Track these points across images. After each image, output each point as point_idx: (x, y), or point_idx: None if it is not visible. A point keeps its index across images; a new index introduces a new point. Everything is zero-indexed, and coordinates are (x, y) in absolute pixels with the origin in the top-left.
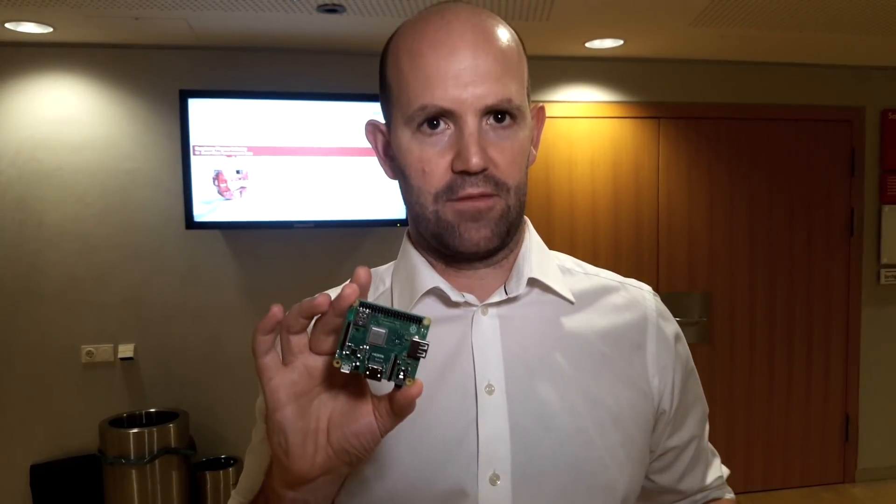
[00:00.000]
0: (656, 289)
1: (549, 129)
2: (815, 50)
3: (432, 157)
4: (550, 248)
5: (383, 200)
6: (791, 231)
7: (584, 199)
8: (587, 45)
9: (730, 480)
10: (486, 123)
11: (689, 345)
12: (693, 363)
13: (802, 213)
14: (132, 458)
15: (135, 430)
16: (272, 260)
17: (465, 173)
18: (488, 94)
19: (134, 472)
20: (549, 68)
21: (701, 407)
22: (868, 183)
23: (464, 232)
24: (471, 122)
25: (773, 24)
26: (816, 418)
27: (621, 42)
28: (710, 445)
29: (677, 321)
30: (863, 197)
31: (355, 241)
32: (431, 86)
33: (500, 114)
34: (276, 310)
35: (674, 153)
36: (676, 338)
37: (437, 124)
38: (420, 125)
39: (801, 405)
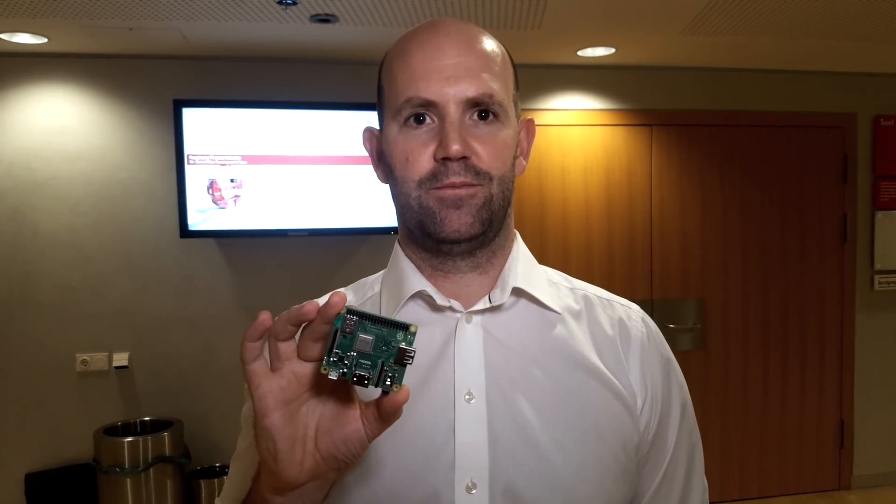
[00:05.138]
0: (650, 295)
1: (542, 137)
2: (806, 57)
3: (416, 147)
4: (544, 255)
5: (377, 208)
6: (784, 237)
7: (577, 206)
8: (579, 53)
9: (725, 488)
10: (470, 119)
11: (683, 351)
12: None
13: (795, 220)
14: (127, 466)
15: (129, 439)
16: (266, 268)
17: (447, 160)
18: (469, 87)
19: (128, 480)
20: (542, 76)
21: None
22: (860, 189)
23: (444, 218)
24: (453, 112)
25: (764, 32)
26: (811, 425)
27: (613, 50)
28: None
29: (671, 328)
30: (855, 203)
31: (349, 249)
32: (417, 79)
33: (483, 111)
34: (265, 317)
35: (666, 160)
36: (665, 362)
37: (423, 119)
38: (407, 119)
39: (796, 411)
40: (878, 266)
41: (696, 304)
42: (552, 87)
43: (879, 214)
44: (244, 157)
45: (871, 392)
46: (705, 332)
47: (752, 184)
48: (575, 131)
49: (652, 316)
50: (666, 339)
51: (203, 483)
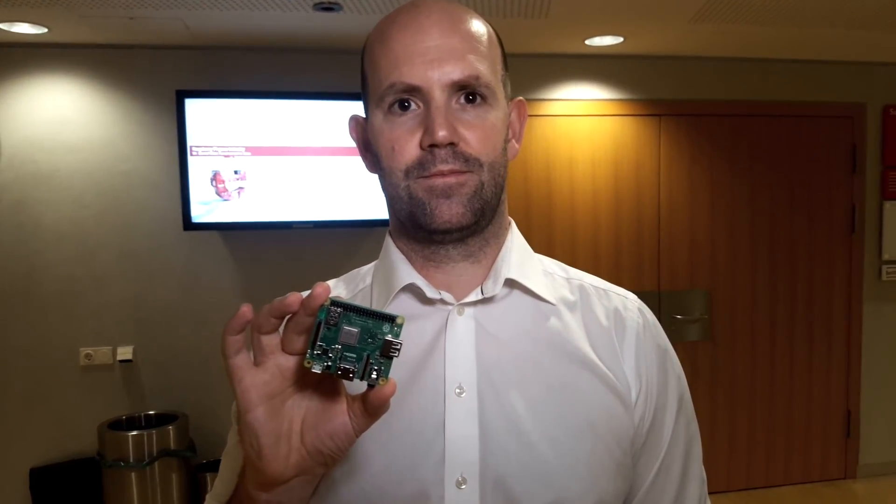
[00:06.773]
0: (657, 287)
1: (550, 128)
2: (815, 46)
3: (402, 135)
4: (551, 246)
5: (382, 200)
6: (792, 228)
7: (584, 197)
8: (587, 42)
9: (731, 477)
10: (457, 103)
11: (691, 342)
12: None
13: (804, 210)
14: (132, 460)
15: (134, 433)
16: (271, 261)
17: (434, 147)
18: (454, 70)
19: (133, 474)
20: (549, 66)
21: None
22: (869, 179)
23: (435, 208)
24: (438, 97)
25: (773, 20)
26: (818, 414)
27: (621, 39)
28: None
29: (678, 319)
30: (864, 193)
31: (354, 241)
32: (400, 64)
33: (470, 94)
34: (245, 309)
35: (675, 151)
36: (662, 353)
37: (408, 105)
38: (391, 106)
39: (803, 401)
40: (885, 256)
41: (704, 296)
42: (560, 76)
43: (888, 205)
44: (248, 149)
45: (877, 382)
46: (713, 323)
47: (760, 174)
48: (583, 122)
49: (659, 307)
50: (673, 330)
51: (209, 476)
